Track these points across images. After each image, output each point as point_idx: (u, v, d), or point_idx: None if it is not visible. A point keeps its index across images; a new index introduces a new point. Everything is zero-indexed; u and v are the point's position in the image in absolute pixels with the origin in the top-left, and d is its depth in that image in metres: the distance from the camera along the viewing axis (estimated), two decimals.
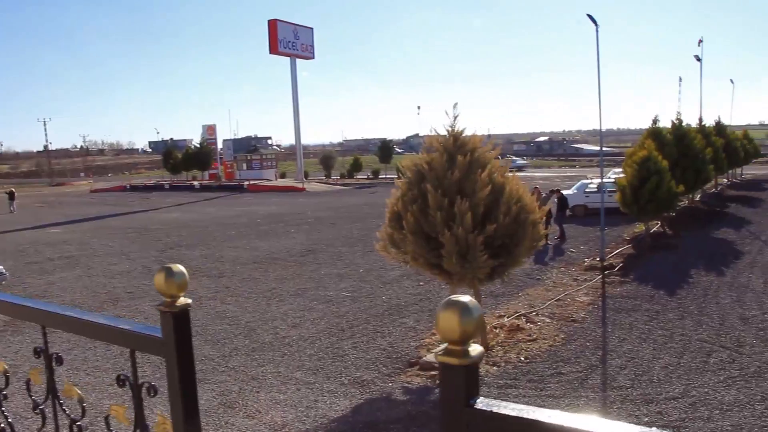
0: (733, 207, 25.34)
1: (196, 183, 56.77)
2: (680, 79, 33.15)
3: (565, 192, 22.04)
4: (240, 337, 10.85)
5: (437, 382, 7.30)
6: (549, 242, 18.17)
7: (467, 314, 1.05)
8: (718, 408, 7.44)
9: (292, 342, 10.51)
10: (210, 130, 63.26)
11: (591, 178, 28.13)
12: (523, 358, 9.30)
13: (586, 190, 24.41)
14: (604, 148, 18.05)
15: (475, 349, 1.12)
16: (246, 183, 53.14)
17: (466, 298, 1.12)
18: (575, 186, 26.17)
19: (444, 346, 1.11)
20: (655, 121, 21.92)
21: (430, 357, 9.25)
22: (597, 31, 15.96)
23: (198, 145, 61.14)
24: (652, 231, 19.17)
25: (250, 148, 69.16)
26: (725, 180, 36.25)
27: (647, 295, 12.54)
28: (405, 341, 10.33)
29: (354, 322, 11.57)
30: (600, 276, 14.10)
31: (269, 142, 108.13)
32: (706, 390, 7.95)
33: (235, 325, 11.60)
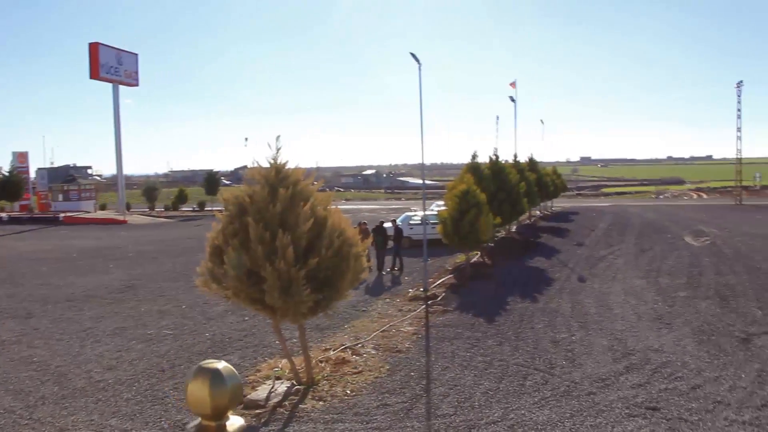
0: (545, 237, 27.86)
1: (4, 215, 51.49)
2: (497, 117, 36.13)
3: (386, 224, 22.88)
4: (48, 384, 9.96)
5: (262, 421, 7.12)
6: (384, 272, 18.90)
7: (219, 384, 0.97)
8: (534, 428, 8.01)
9: (108, 386, 9.84)
10: (21, 157, 59.17)
11: (415, 210, 29.48)
12: (349, 392, 9.39)
13: (410, 222, 25.51)
14: (427, 182, 19.03)
15: (233, 424, 1.05)
16: (62, 215, 49.40)
17: (219, 365, 1.03)
18: (399, 218, 27.25)
19: (197, 421, 1.03)
20: (474, 156, 23.58)
21: (254, 395, 9.05)
22: (419, 69, 16.94)
23: (6, 174, 55.94)
24: (472, 261, 20.44)
25: (67, 177, 65.33)
26: (537, 212, 39.80)
27: (468, 323, 13.29)
28: None
29: (176, 361, 11.08)
30: (423, 306, 14.71)
31: (89, 171, 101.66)
32: (522, 412, 8.54)
33: (43, 370, 10.66)
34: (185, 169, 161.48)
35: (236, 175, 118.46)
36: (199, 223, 43.28)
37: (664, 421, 8.29)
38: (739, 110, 52.04)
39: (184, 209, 60.43)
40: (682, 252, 23.17)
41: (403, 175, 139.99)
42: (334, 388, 9.50)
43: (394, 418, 8.43)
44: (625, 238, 27.40)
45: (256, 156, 9.79)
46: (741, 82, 51.72)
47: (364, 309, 14.86)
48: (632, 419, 8.33)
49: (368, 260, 10.56)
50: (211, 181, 61.17)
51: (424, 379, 9.94)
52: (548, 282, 17.61)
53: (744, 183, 56.21)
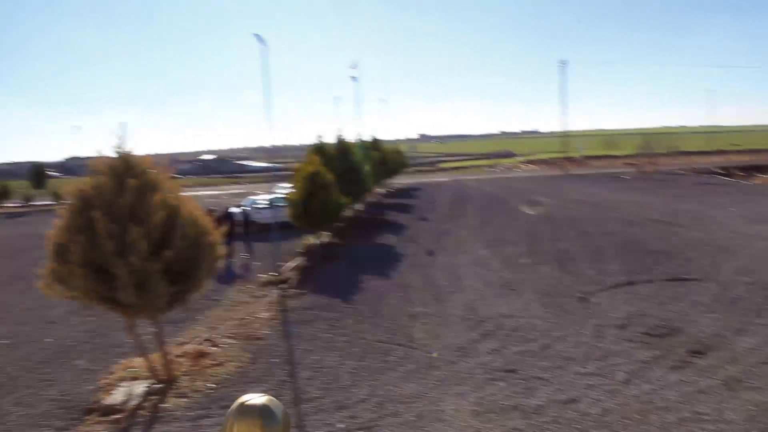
0: (391, 214, 28.52)
1: None
2: (338, 97, 36.30)
3: (232, 210, 22.29)
4: None
5: (122, 426, 6.64)
6: (234, 259, 18.34)
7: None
8: (402, 402, 8.18)
9: None
10: None
11: (259, 194, 28.93)
12: (211, 385, 9.04)
13: (256, 206, 25.02)
14: (269, 164, 18.70)
15: None
16: None
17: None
18: (245, 202, 26.63)
19: None
20: (319, 137, 23.54)
21: (110, 399, 8.45)
22: (264, 51, 16.51)
23: None
24: (323, 242, 20.46)
25: None
26: (383, 190, 40.63)
27: (325, 305, 13.29)
28: (79, 386, 9.28)
29: (14, 373, 10.05)
30: (277, 291, 14.51)
31: None
32: (389, 387, 8.69)
33: None
34: (4, 161, 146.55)
35: (66, 167, 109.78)
36: (27, 220, 39.58)
37: (521, 381, 8.81)
38: (563, 87, 56.35)
39: (6, 205, 54.87)
40: (520, 221, 24.73)
41: (243, 158, 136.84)
42: (195, 383, 9.10)
43: None
44: (467, 211, 28.75)
45: (95, 146, 9.06)
46: (565, 61, 55.96)
47: (216, 298, 14.35)
48: (493, 383, 8.77)
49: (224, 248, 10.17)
50: (37, 173, 55.98)
51: (288, 364, 9.81)
52: (399, 258, 18.05)
53: (569, 154, 61.06)
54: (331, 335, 11.14)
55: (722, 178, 45.27)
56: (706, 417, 7.50)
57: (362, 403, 8.20)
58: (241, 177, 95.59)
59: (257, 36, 16.26)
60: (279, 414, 0.76)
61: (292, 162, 33.21)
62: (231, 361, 9.98)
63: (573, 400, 8.12)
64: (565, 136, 57.37)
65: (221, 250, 9.56)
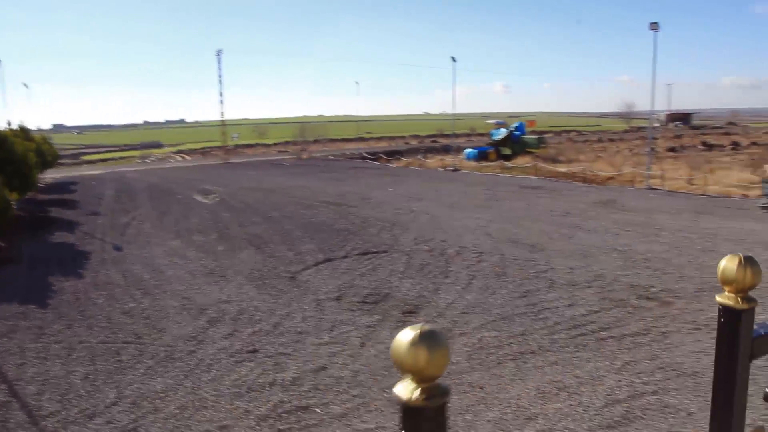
0: (55, 210, 25.90)
1: None
2: None
3: None
4: None
5: None
6: None
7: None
8: (158, 398, 8.02)
9: None
10: None
11: None
12: None
13: None
14: None
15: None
16: None
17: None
18: None
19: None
20: None
21: None
22: None
23: None
24: None
25: None
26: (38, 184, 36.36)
27: (18, 313, 11.89)
28: None
29: None
30: None
31: None
32: (137, 386, 8.40)
33: None
34: None
35: None
36: None
37: (267, 359, 9.28)
38: (220, 77, 56.78)
39: None
40: (199, 210, 24.70)
41: None
42: None
43: None
44: (139, 204, 27.61)
45: None
46: (221, 50, 56.36)
47: None
48: (242, 364, 9.07)
49: None
50: None
51: (3, 383, 8.71)
52: (85, 256, 16.78)
53: (220, 143, 61.80)
54: (42, 344, 10.12)
55: (371, 162, 50.68)
56: None
57: (114, 406, 7.81)
58: None
59: None
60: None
61: None
62: None
63: (323, 368, 8.89)
64: (224, 125, 58.03)
65: None
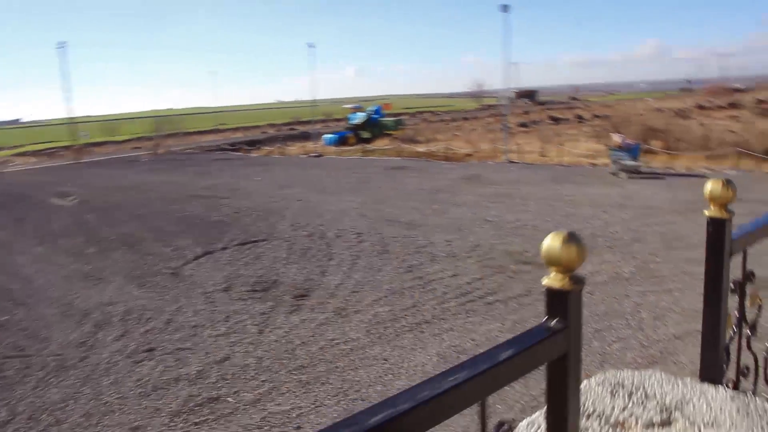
0: None
1: None
2: None
3: None
4: None
5: None
6: None
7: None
8: (57, 409, 7.63)
9: None
10: None
11: None
12: None
13: None
14: None
15: None
16: None
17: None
18: None
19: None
20: None
21: None
22: None
23: None
24: None
25: None
26: None
27: None
28: None
29: None
30: None
31: None
32: (30, 400, 7.93)
33: None
34: None
35: None
36: None
37: (168, 355, 9.05)
38: (64, 72, 53.11)
39: None
40: (60, 214, 23.17)
41: None
42: None
43: None
44: None
45: None
46: (64, 43, 52.60)
47: None
48: (141, 364, 8.79)
49: None
50: None
51: None
52: None
53: (68, 143, 57.99)
54: None
55: (233, 153, 49.49)
56: (338, 340, 9.09)
57: (9, 424, 7.33)
58: None
59: None
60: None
61: None
62: None
63: (226, 358, 8.81)
64: (71, 123, 54.38)
65: None
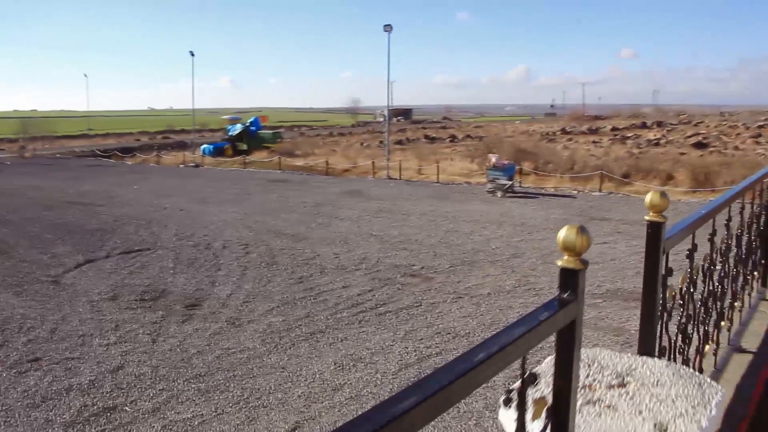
0: None
1: None
2: None
3: None
4: None
5: None
6: None
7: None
8: None
9: None
10: None
11: None
12: None
13: None
14: None
15: None
16: None
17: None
18: None
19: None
20: None
21: None
22: None
23: None
24: None
25: None
26: None
27: None
28: None
29: None
30: None
31: None
32: None
33: None
34: None
35: None
36: None
37: (55, 365, 8.66)
38: None
39: None
40: None
41: None
42: None
43: None
44: None
45: None
46: None
47: None
48: (26, 375, 8.38)
49: None
50: None
51: None
52: None
53: None
54: None
55: (106, 159, 47.16)
56: (233, 349, 9.10)
57: None
58: None
59: None
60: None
61: None
62: None
63: (120, 367, 8.57)
64: None
65: None
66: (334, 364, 8.46)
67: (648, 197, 2.46)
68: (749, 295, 4.43)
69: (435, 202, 22.61)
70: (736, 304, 4.00)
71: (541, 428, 1.55)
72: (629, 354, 2.22)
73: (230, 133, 52.15)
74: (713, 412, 1.85)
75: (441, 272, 12.91)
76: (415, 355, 8.65)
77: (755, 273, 4.67)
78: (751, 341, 3.87)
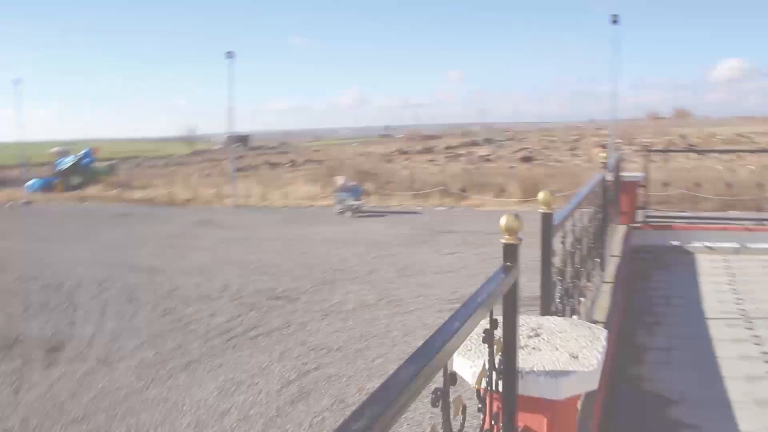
0: None
1: None
2: None
3: None
4: None
5: None
6: None
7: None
8: None
9: None
10: None
11: None
12: None
13: None
14: None
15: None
16: None
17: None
18: None
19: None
20: None
21: None
22: None
23: None
24: None
25: None
26: None
27: None
28: None
29: None
30: None
31: None
32: None
33: None
34: None
35: None
36: None
37: None
38: None
39: None
40: None
41: None
42: None
43: None
44: None
45: None
46: None
47: None
48: None
49: None
50: None
51: None
52: None
53: None
54: None
55: None
56: (109, 388, 8.71)
57: None
58: None
59: None
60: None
61: None
62: None
63: None
64: None
65: None
66: (217, 389, 8.38)
67: (540, 195, 3.20)
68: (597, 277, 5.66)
69: (287, 227, 22.71)
70: (588, 284, 5.04)
71: (498, 361, 2.11)
72: (535, 316, 3.04)
73: (60, 167, 48.51)
74: (604, 343, 2.61)
75: (304, 293, 13.10)
76: (295, 372, 8.80)
77: (597, 260, 5.76)
78: (599, 314, 4.94)
